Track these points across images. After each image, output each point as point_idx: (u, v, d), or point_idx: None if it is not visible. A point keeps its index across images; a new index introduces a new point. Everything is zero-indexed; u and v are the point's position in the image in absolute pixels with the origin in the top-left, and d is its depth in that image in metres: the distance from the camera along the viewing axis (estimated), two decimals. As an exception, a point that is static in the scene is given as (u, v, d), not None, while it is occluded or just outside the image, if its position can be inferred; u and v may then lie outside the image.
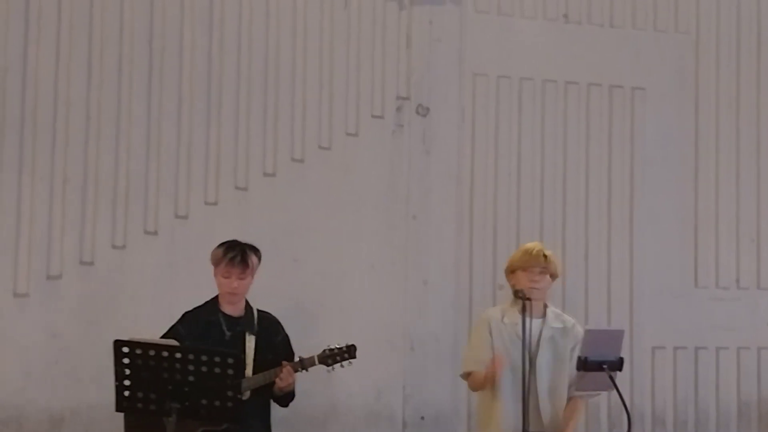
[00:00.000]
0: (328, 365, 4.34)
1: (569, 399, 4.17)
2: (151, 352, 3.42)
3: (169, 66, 5.18)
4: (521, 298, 3.93)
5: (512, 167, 5.62)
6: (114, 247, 5.05)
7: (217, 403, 3.42)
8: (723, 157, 5.91)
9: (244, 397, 4.21)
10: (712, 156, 5.89)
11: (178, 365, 3.41)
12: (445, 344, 5.38)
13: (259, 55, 5.30)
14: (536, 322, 4.16)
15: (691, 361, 5.77)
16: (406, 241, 5.41)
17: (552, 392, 4.09)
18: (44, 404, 4.91)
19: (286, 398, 4.41)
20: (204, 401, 3.42)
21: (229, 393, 3.41)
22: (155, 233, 5.10)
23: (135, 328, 4.75)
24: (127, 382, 3.45)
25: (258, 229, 5.12)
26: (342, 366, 4.37)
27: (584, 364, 3.78)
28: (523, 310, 3.87)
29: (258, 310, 4.46)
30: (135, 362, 3.43)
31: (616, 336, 3.91)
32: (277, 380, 4.24)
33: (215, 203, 5.20)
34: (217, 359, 3.41)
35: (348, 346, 4.35)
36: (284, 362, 4.29)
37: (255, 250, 4.44)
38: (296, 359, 4.31)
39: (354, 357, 4.37)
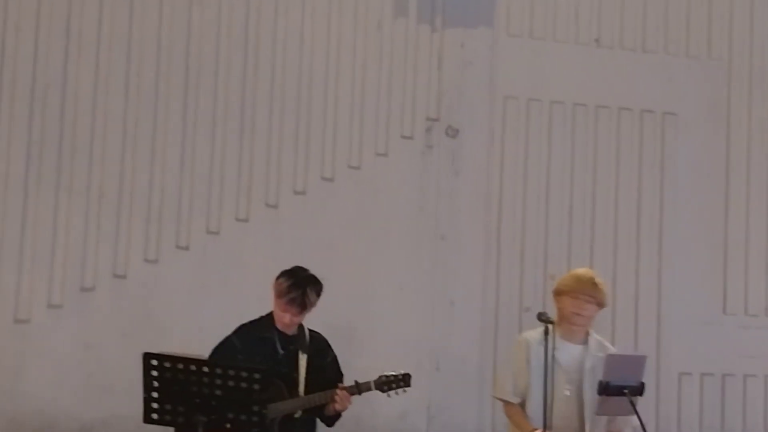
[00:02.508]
0: (383, 391, 4.37)
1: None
2: (180, 366, 3.47)
3: (205, 85, 5.27)
4: (544, 321, 3.93)
5: (541, 190, 5.64)
6: (147, 261, 5.14)
7: (243, 417, 3.47)
8: (754, 183, 5.89)
9: (296, 415, 4.26)
10: (743, 182, 5.88)
11: (205, 379, 3.46)
12: (471, 365, 5.40)
13: (292, 75, 5.38)
14: (577, 349, 4.10)
15: (718, 388, 5.74)
16: (433, 262, 5.45)
17: (592, 420, 4.02)
18: (76, 414, 4.99)
19: (333, 418, 4.45)
20: (230, 415, 3.47)
21: (255, 408, 3.46)
22: (187, 248, 5.19)
23: (166, 340, 4.83)
24: (155, 394, 3.51)
25: (287, 246, 5.19)
26: (396, 393, 4.40)
27: (605, 389, 3.77)
28: (546, 334, 3.87)
29: (309, 330, 4.48)
30: (164, 375, 3.49)
31: (639, 361, 3.90)
32: (336, 404, 4.29)
33: (246, 220, 5.27)
34: (243, 374, 3.46)
35: (404, 375, 4.37)
36: (340, 385, 4.32)
37: (316, 288, 4.37)
38: (353, 383, 4.34)
39: (409, 385, 4.39)
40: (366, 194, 5.41)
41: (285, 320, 4.32)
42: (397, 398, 5.24)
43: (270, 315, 4.42)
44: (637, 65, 5.81)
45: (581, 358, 4.08)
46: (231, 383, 3.46)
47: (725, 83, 5.90)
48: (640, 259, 5.73)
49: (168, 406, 3.49)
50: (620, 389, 3.75)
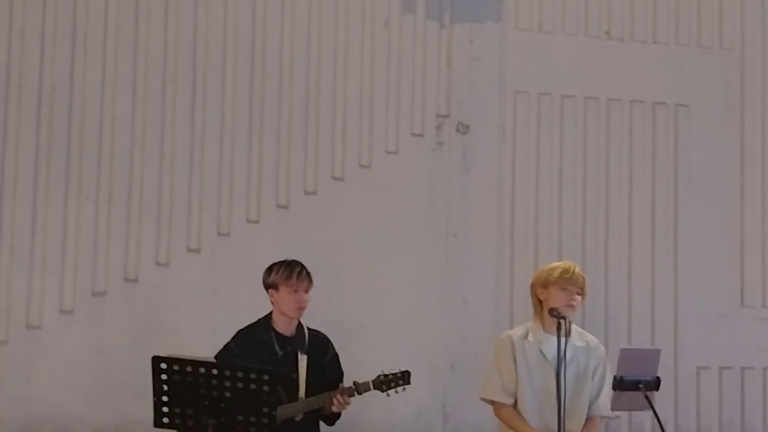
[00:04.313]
0: (382, 391, 4.34)
1: (587, 419, 4.12)
2: (188, 369, 3.46)
3: (212, 86, 5.26)
4: (556, 316, 3.89)
5: (553, 185, 5.59)
6: (158, 264, 5.13)
7: (252, 419, 3.45)
8: (770, 173, 5.82)
9: (297, 419, 4.24)
10: (758, 173, 5.80)
11: (214, 381, 3.45)
12: (485, 363, 5.34)
13: (300, 74, 5.35)
14: (561, 340, 4.00)
15: (737, 382, 5.67)
16: (446, 260, 5.41)
17: (571, 411, 4.03)
18: (89, 419, 4.98)
19: (333, 417, 4.44)
20: (240, 417, 3.45)
21: (265, 409, 3.44)
22: (198, 251, 5.17)
23: (178, 343, 4.81)
24: (165, 398, 3.50)
25: (298, 247, 5.15)
26: (396, 392, 4.37)
27: (620, 384, 3.72)
28: (558, 329, 3.83)
29: (308, 329, 4.48)
30: (173, 378, 3.47)
31: (653, 355, 3.83)
32: (333, 406, 4.26)
33: (257, 221, 5.25)
34: (252, 376, 3.44)
35: (402, 372, 4.35)
36: (339, 387, 4.29)
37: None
38: (351, 383, 4.31)
39: (408, 383, 4.36)
40: (377, 193, 5.37)
41: (300, 300, 4.33)
42: (412, 397, 5.22)
43: (267, 317, 4.42)
44: (648, 57, 5.75)
45: (563, 348, 4.01)
46: (240, 385, 3.44)
47: (738, 73, 5.83)
48: (655, 253, 5.67)
49: (178, 410, 3.47)
50: (635, 384, 3.70)
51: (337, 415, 4.41)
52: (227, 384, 3.44)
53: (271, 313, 4.44)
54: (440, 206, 5.44)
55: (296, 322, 4.44)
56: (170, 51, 5.22)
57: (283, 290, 4.35)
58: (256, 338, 4.35)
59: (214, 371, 3.45)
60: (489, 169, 5.52)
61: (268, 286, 4.41)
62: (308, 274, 4.40)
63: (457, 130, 5.50)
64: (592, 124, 5.66)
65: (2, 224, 5.01)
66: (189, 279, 5.14)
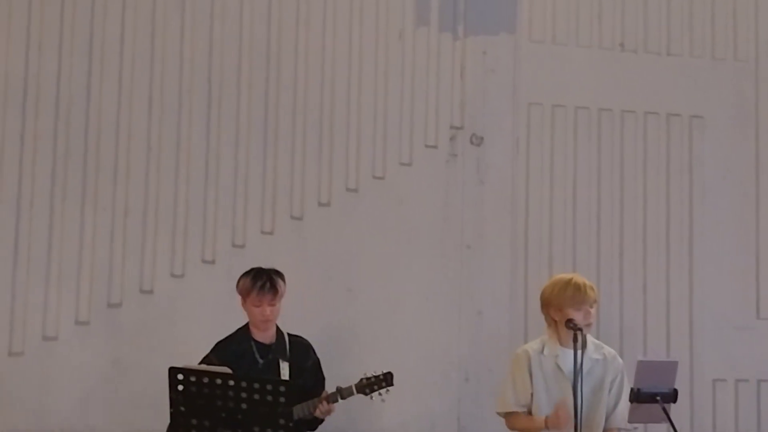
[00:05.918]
0: (365, 394, 4.34)
1: (604, 431, 4.11)
2: (205, 380, 3.47)
3: (228, 98, 5.28)
4: (573, 328, 3.89)
5: (568, 197, 5.58)
6: (173, 275, 5.15)
7: (269, 430, 3.46)
8: (785, 185, 5.80)
9: None
10: (774, 184, 5.79)
11: (231, 393, 3.46)
12: (500, 375, 5.29)
13: (314, 87, 5.37)
14: (577, 353, 4.00)
15: (754, 395, 5.64)
16: (460, 272, 5.41)
17: (587, 424, 4.03)
18: (104, 430, 4.99)
19: (315, 423, 4.43)
20: (256, 429, 3.46)
21: (281, 421, 3.44)
22: (213, 262, 5.19)
23: (193, 355, 4.81)
24: (181, 410, 3.51)
25: (312, 258, 5.19)
26: (380, 394, 4.36)
27: (637, 396, 3.71)
28: (575, 341, 3.83)
29: (289, 335, 4.48)
30: (189, 389, 3.49)
31: (670, 367, 3.83)
32: (317, 412, 4.26)
33: (271, 233, 5.26)
34: (269, 387, 3.46)
35: (385, 374, 4.35)
36: (323, 395, 4.29)
37: (280, 275, 4.49)
38: (334, 389, 4.31)
39: (391, 384, 4.36)
40: (391, 204, 5.38)
41: (265, 314, 4.32)
42: (426, 409, 5.24)
43: (245, 327, 4.43)
44: (662, 69, 5.75)
45: (579, 361, 4.00)
46: (256, 396, 3.45)
47: (752, 85, 5.82)
48: (670, 264, 5.65)
49: (194, 421, 3.48)
50: (652, 396, 3.69)
51: (320, 421, 4.41)
52: (244, 395, 3.46)
53: (248, 322, 4.47)
54: (454, 218, 5.44)
55: (274, 329, 4.45)
56: (186, 64, 5.25)
57: (248, 302, 4.37)
58: (235, 348, 4.37)
59: (231, 383, 3.46)
60: (503, 180, 5.52)
61: (239, 294, 4.43)
62: (273, 285, 4.35)
63: (471, 142, 5.51)
64: (606, 135, 5.66)
65: (19, 236, 5.04)
66: (204, 290, 5.15)
